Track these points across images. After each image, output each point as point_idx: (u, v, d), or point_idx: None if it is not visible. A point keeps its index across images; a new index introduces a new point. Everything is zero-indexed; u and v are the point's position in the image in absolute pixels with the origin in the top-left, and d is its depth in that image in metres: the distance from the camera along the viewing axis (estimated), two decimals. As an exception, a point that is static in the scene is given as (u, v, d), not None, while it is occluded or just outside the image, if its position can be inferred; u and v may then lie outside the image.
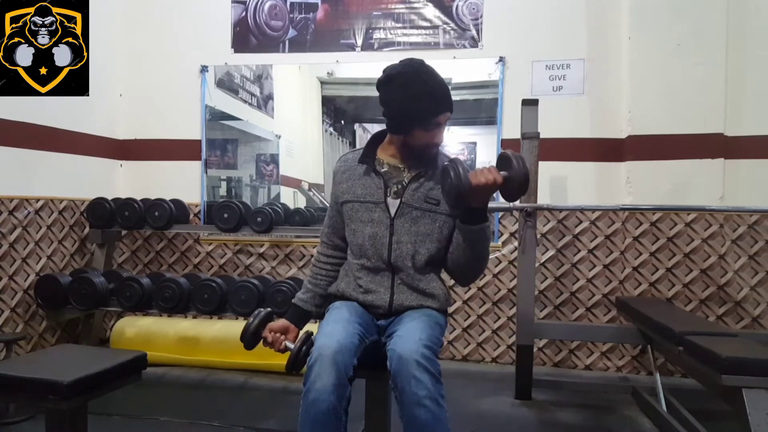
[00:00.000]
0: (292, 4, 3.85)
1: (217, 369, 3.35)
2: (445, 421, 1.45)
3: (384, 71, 1.72)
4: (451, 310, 3.52)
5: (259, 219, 3.35)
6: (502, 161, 1.60)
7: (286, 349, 1.69)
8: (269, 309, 1.83)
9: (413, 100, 1.64)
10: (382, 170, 1.75)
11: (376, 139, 1.82)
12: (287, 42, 3.86)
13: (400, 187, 1.73)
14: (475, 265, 1.74)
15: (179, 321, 3.55)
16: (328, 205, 1.91)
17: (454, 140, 4.01)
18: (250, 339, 1.73)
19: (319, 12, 3.82)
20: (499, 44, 3.62)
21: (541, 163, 3.00)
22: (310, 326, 1.83)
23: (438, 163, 1.73)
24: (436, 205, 1.71)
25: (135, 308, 3.19)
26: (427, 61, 1.71)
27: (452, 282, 1.91)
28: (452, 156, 1.77)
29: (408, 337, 1.52)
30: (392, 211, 1.71)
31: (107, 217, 3.47)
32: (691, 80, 3.30)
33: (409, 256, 1.70)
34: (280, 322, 1.76)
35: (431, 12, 3.69)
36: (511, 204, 3.00)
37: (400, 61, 1.71)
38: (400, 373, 1.46)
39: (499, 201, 3.59)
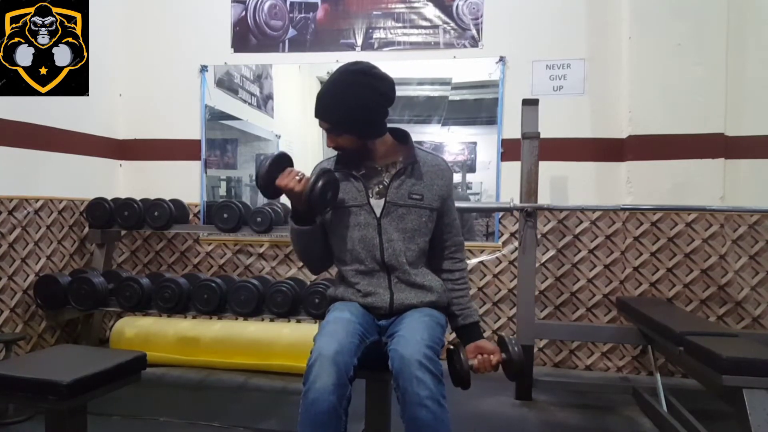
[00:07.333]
0: (292, 3, 3.84)
1: (217, 369, 3.35)
2: (446, 421, 1.45)
3: None
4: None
5: (258, 219, 3.34)
6: (502, 344, 1.72)
7: (303, 180, 1.61)
8: (282, 152, 1.73)
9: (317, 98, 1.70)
10: (360, 173, 1.74)
11: None
12: (287, 42, 3.86)
13: (381, 186, 1.73)
14: None
15: (179, 321, 3.55)
16: None
17: (454, 140, 4.00)
18: (265, 178, 1.61)
19: (319, 12, 3.82)
20: (500, 44, 3.62)
21: (541, 163, 3.00)
22: (311, 328, 1.81)
23: (415, 157, 1.73)
24: (420, 200, 1.72)
25: (135, 308, 3.18)
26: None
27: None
28: (435, 153, 1.80)
29: (410, 338, 1.52)
30: (378, 212, 1.71)
31: (107, 217, 3.47)
32: (691, 80, 3.30)
33: (402, 253, 1.70)
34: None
35: (431, 11, 3.68)
36: (512, 204, 3.00)
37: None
38: (403, 374, 1.46)
39: (499, 200, 3.61)
